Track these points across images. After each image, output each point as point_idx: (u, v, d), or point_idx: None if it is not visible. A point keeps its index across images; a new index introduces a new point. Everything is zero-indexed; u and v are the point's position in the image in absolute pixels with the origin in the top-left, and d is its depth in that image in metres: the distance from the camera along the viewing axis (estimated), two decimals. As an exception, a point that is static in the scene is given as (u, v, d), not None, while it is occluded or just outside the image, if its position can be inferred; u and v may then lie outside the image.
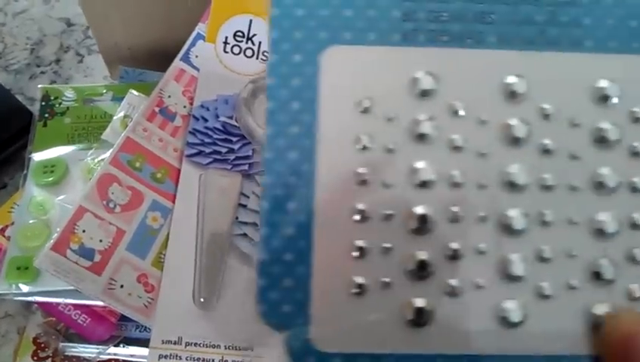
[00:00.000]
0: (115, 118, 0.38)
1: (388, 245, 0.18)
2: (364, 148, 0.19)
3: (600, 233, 0.19)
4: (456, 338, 0.18)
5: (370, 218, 0.18)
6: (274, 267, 0.18)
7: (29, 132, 0.41)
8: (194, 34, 0.39)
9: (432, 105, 0.19)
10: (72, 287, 0.33)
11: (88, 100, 0.41)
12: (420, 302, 0.18)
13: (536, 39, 0.19)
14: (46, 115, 0.41)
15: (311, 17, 0.19)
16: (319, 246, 0.18)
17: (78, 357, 0.36)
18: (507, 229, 0.19)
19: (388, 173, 0.19)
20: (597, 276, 0.18)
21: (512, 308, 0.18)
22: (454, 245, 0.18)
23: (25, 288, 0.34)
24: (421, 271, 0.18)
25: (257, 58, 0.38)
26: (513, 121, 0.19)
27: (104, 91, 0.42)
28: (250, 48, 0.38)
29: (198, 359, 0.32)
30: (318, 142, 0.19)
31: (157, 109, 0.37)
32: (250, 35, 0.39)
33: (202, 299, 0.33)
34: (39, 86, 0.42)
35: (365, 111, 0.19)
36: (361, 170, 0.19)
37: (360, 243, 0.18)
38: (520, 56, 0.19)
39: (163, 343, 0.32)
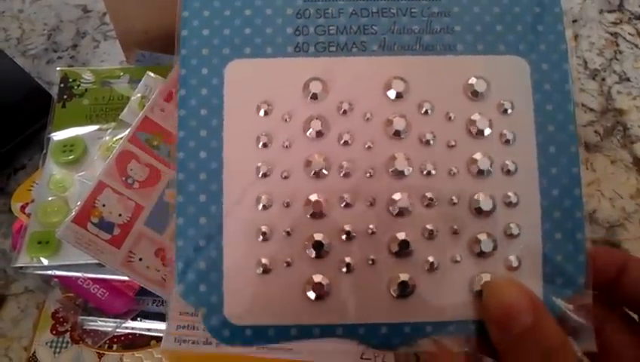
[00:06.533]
0: (132, 98, 0.39)
1: (288, 229, 0.21)
2: (264, 145, 0.21)
3: (479, 211, 0.21)
4: (353, 309, 0.20)
5: (271, 206, 0.21)
6: (189, 251, 0.20)
7: (46, 114, 0.42)
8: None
9: (322, 106, 0.21)
10: (91, 261, 0.34)
11: (106, 82, 0.42)
12: (318, 278, 0.20)
13: (414, 46, 0.21)
14: (65, 97, 0.42)
15: (215, 36, 0.21)
16: (228, 232, 0.21)
17: (96, 331, 0.37)
18: (395, 211, 0.21)
19: (285, 166, 0.21)
20: (478, 249, 0.21)
21: (403, 280, 0.20)
22: (347, 227, 0.21)
23: (45, 261, 0.35)
24: (318, 250, 0.20)
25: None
26: (395, 117, 0.21)
27: (121, 74, 0.43)
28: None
29: (215, 330, 0.33)
30: (224, 143, 0.21)
31: (174, 90, 0.38)
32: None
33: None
34: (58, 68, 0.43)
35: (265, 114, 0.21)
36: (261, 164, 0.21)
37: (264, 228, 0.21)
38: (400, 60, 0.21)
39: (181, 314, 0.33)
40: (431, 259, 0.21)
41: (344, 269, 0.21)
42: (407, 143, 0.21)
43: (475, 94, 0.21)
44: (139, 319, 0.37)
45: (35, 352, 0.36)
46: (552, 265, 0.21)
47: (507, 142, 0.21)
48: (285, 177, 0.21)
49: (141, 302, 0.37)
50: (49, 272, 0.36)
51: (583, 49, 0.52)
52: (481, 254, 0.21)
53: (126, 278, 0.35)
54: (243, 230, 0.21)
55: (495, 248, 0.21)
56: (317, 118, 0.21)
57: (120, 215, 0.34)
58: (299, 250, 0.21)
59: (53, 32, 0.51)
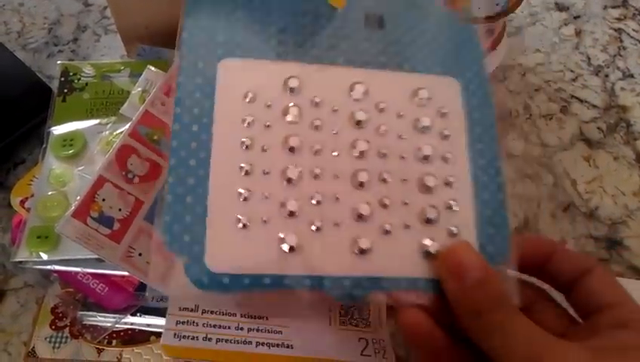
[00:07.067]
0: (133, 92, 0.39)
1: (266, 193, 0.24)
2: (249, 124, 0.25)
3: (424, 188, 0.26)
4: (321, 263, 0.24)
5: (252, 173, 0.24)
6: (177, 206, 0.23)
7: (46, 108, 0.42)
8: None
9: (299, 98, 0.26)
10: (90, 256, 0.34)
11: (106, 76, 0.42)
12: (290, 236, 0.24)
13: (372, 62, 0.27)
14: (65, 91, 0.41)
15: (211, 40, 0.26)
16: (213, 192, 0.24)
17: (96, 326, 0.37)
18: (356, 183, 0.25)
19: (265, 142, 0.25)
20: (425, 217, 0.25)
21: (362, 240, 0.24)
22: (316, 194, 0.24)
23: (44, 256, 0.35)
24: (292, 211, 0.24)
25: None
26: (358, 111, 0.26)
27: (122, 68, 0.43)
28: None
29: (214, 325, 0.33)
30: (214, 121, 0.25)
31: (175, 84, 0.38)
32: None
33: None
34: (58, 62, 0.42)
35: (250, 100, 0.25)
36: (246, 139, 0.25)
37: (244, 191, 0.24)
38: (362, 71, 0.27)
39: (180, 310, 0.33)
40: (386, 224, 0.25)
41: (313, 228, 0.24)
42: (366, 131, 0.26)
43: (420, 100, 0.27)
44: (138, 314, 0.37)
45: (34, 347, 0.36)
46: (484, 235, 0.26)
47: (445, 137, 0.27)
48: (265, 150, 0.25)
49: (141, 297, 0.37)
50: (48, 267, 0.36)
51: (586, 45, 0.52)
52: (428, 221, 0.25)
53: (126, 273, 0.34)
54: (226, 191, 0.24)
55: (438, 218, 0.25)
56: (294, 106, 0.25)
57: (120, 210, 0.34)
58: (274, 210, 0.24)
59: (54, 26, 0.51)
